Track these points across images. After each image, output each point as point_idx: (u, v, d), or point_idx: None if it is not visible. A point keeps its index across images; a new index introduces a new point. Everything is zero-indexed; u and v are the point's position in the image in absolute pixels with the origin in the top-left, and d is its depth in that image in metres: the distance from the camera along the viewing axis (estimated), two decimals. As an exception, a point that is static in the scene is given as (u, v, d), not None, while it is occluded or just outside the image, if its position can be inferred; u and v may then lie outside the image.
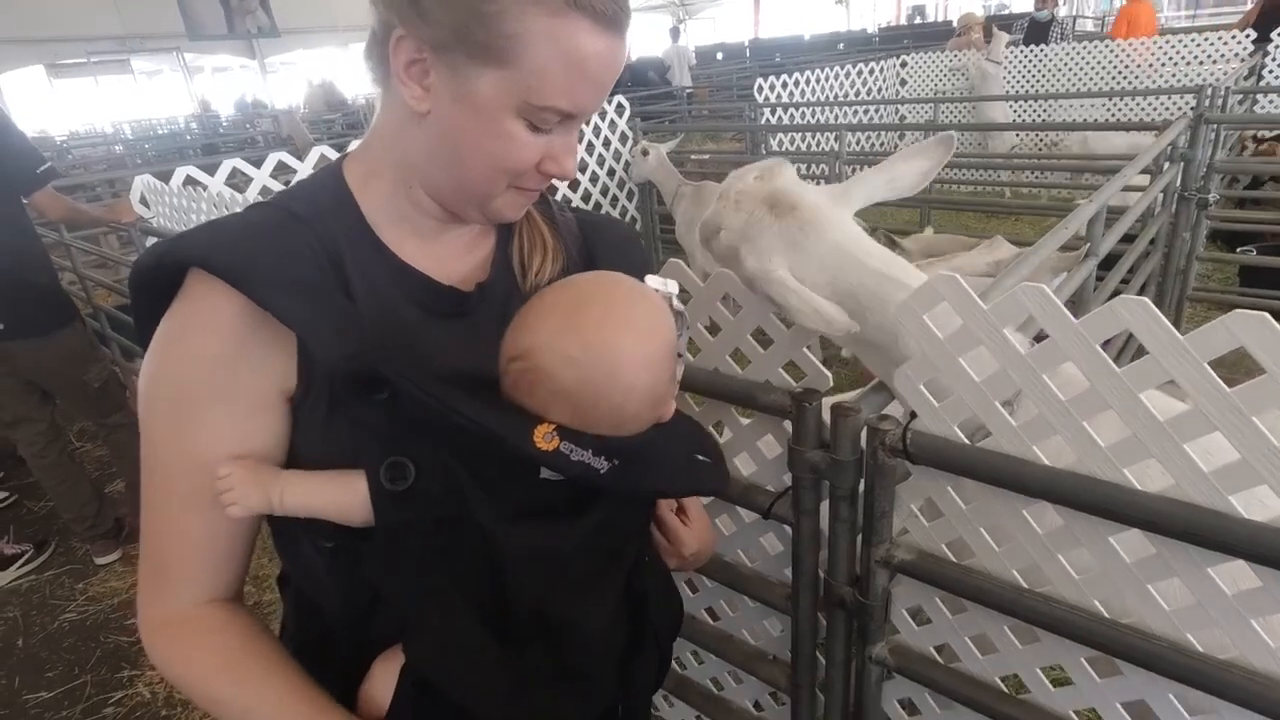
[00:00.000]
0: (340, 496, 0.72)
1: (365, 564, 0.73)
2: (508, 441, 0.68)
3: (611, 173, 5.10)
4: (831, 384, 1.11)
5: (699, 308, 1.21)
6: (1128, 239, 2.54)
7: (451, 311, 0.82)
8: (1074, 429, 0.85)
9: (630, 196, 5.27)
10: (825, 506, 1.12)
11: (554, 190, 4.62)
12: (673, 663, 1.66)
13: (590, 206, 4.92)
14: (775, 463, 1.21)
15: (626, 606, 0.84)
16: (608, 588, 0.80)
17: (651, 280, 0.84)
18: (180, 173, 3.08)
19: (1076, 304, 2.14)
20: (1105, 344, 0.82)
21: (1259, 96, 5.52)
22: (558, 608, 0.75)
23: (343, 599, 0.80)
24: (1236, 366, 2.23)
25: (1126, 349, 2.68)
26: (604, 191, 5.04)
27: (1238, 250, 4.00)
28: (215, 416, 0.72)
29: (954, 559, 1.05)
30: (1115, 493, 0.84)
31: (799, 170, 5.17)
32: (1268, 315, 0.71)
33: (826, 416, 1.06)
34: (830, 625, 1.21)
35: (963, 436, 0.96)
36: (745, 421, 1.23)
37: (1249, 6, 7.80)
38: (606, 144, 5.01)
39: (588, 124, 4.78)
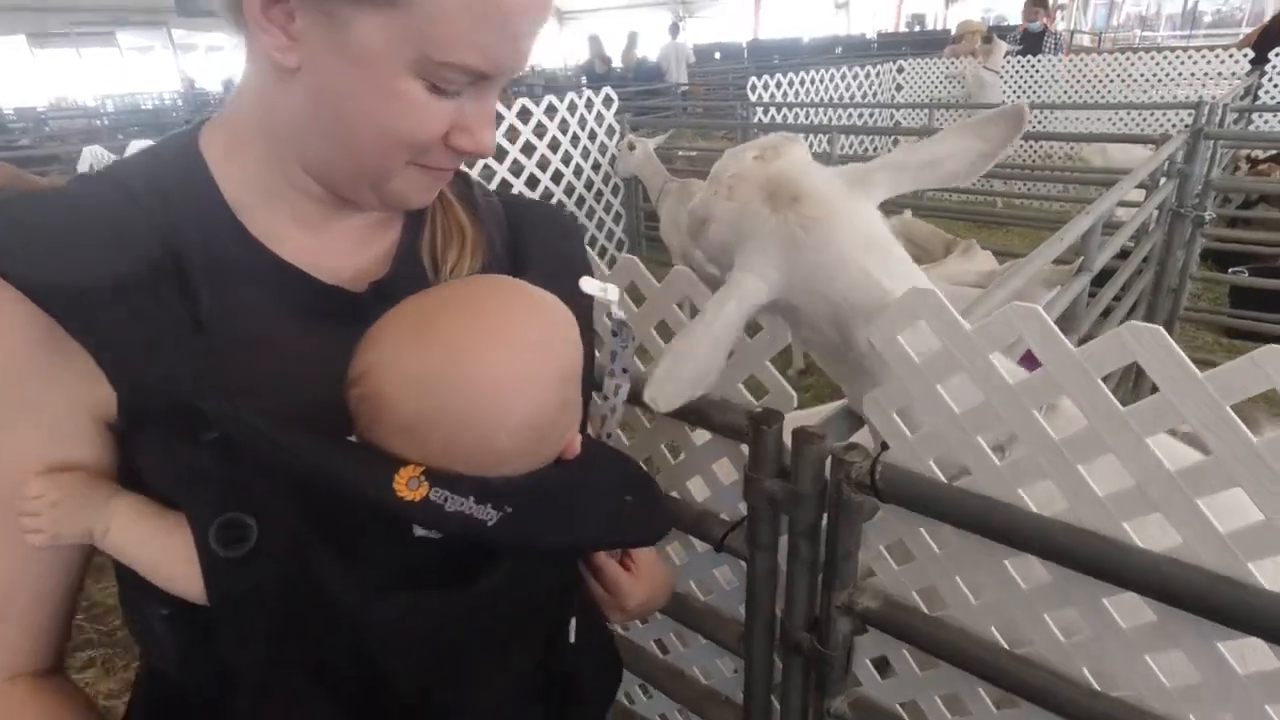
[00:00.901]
0: (164, 561, 0.57)
1: (211, 637, 0.59)
2: (361, 492, 0.54)
3: (596, 166, 4.96)
4: (796, 405, 0.99)
5: (653, 311, 1.08)
6: (1121, 254, 2.44)
7: (336, 317, 0.65)
8: (1068, 474, 0.73)
9: (615, 191, 5.13)
10: (785, 542, 1.00)
11: (535, 182, 4.50)
12: (619, 696, 1.54)
13: (573, 200, 4.79)
14: (732, 489, 1.09)
15: (546, 684, 0.70)
16: (515, 664, 0.66)
17: (588, 283, 0.72)
18: (134, 145, 2.92)
19: (1068, 320, 2.03)
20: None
21: (1254, 115, 5.46)
22: (447, 696, 0.61)
23: (187, 669, 0.64)
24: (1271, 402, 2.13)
25: (1125, 378, 2.57)
26: (588, 185, 4.90)
27: (1229, 270, 3.92)
28: (12, 439, 0.58)
29: (925, 608, 0.93)
30: (1113, 550, 0.71)
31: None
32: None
33: (789, 439, 0.94)
34: (786, 671, 1.08)
35: (939, 473, 0.83)
36: (700, 441, 1.10)
37: (1244, 30, 7.77)
38: (592, 136, 4.87)
39: (571, 113, 4.64)
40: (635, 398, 1.12)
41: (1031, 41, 7.47)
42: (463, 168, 0.74)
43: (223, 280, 0.61)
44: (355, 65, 0.56)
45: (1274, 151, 5.24)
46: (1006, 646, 0.87)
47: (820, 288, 0.93)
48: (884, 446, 0.87)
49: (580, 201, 4.86)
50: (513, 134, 4.30)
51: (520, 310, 0.61)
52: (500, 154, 4.26)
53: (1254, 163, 5.26)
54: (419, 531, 0.57)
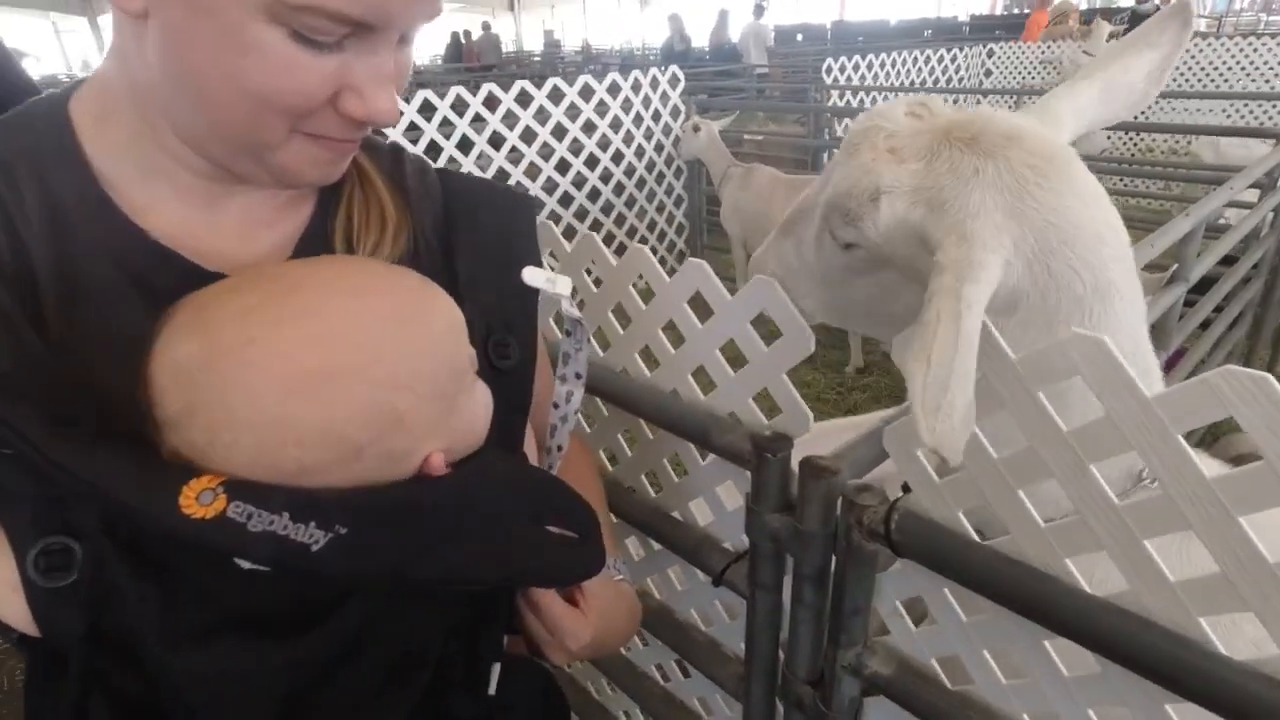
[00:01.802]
0: None
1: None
2: (142, 510, 0.44)
3: (660, 147, 4.81)
4: (810, 429, 0.85)
5: (661, 308, 0.95)
6: (1227, 260, 2.17)
7: None
8: (1131, 549, 0.58)
9: (678, 174, 4.98)
10: (790, 580, 0.87)
11: (594, 162, 4.39)
12: (621, 714, 1.44)
13: (634, 182, 4.66)
14: (735, 516, 0.96)
15: None
16: None
17: (532, 274, 0.61)
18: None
19: (1158, 334, 1.80)
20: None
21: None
22: None
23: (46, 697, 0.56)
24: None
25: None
26: (650, 167, 4.76)
27: (1354, 284, 3.49)
28: None
29: (947, 681, 0.79)
30: (1181, 652, 0.56)
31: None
32: None
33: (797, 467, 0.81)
34: (788, 723, 0.96)
35: (970, 528, 0.69)
36: (704, 460, 0.98)
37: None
38: (656, 117, 4.73)
39: (636, 91, 4.50)
40: (628, 405, 1.01)
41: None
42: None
43: (76, 266, 0.53)
44: (199, 8, 0.46)
45: None
46: (1042, 738, 0.72)
47: (1053, 258, 0.69)
48: (905, 489, 0.73)
49: (641, 183, 4.73)
50: (573, 111, 4.20)
51: (333, 294, 0.50)
52: (560, 132, 4.17)
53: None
54: (245, 565, 0.47)
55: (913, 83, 6.54)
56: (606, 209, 4.56)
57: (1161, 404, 0.52)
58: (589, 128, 4.31)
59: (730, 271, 4.31)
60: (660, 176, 4.87)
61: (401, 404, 0.49)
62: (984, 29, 13.33)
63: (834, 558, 0.80)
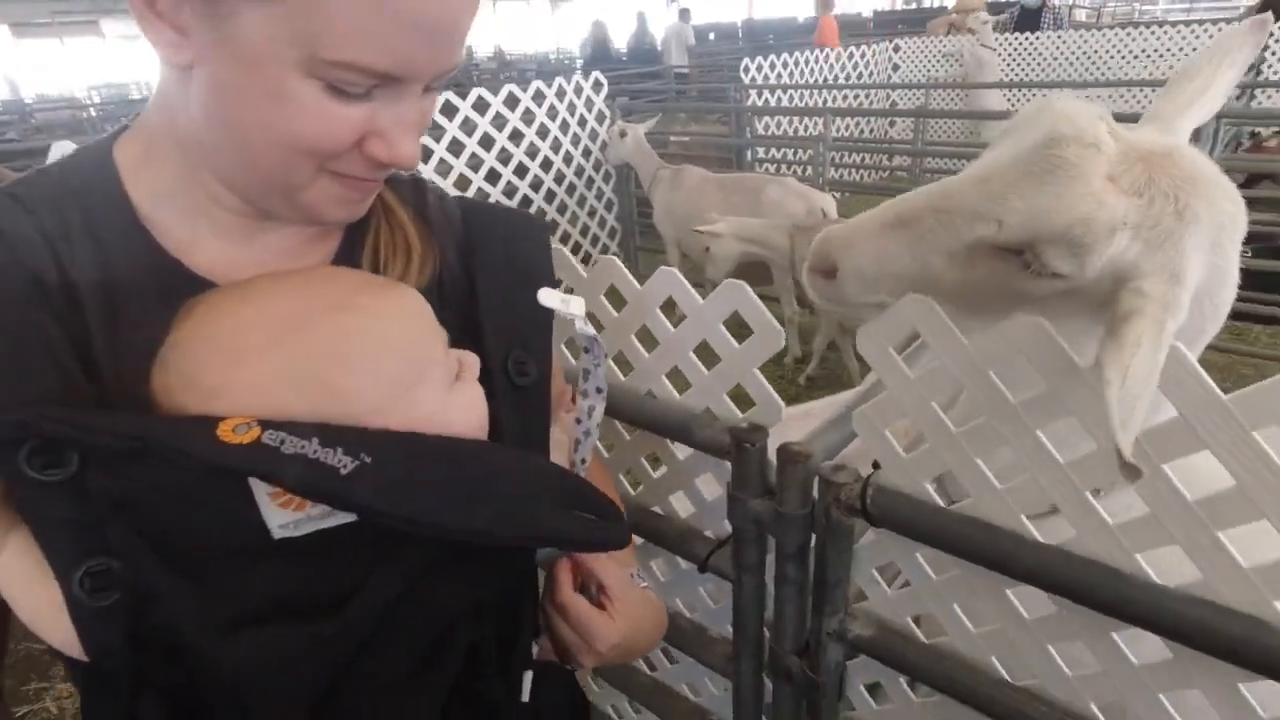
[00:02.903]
0: (35, 603, 0.50)
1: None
2: (183, 449, 0.48)
3: (588, 153, 4.86)
4: (784, 416, 0.92)
5: (634, 315, 1.01)
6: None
7: None
8: (1074, 500, 0.67)
9: (607, 179, 5.04)
10: (772, 560, 0.94)
11: (524, 170, 4.41)
12: (609, 708, 1.49)
13: (564, 188, 4.70)
14: (716, 506, 1.02)
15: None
16: (417, 713, 0.58)
17: (547, 296, 0.66)
18: (56, 148, 2.81)
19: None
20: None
21: (1257, 91, 5.36)
22: None
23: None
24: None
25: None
26: (579, 173, 4.80)
27: (1233, 251, 3.83)
28: None
29: (922, 636, 0.87)
30: (1126, 587, 0.65)
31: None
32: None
33: (774, 455, 0.87)
34: (776, 696, 1.03)
35: (935, 496, 0.77)
36: (682, 455, 1.04)
37: (1246, 3, 7.65)
38: (582, 123, 4.77)
39: (560, 99, 4.54)
40: (608, 409, 1.06)
41: (1028, 18, 7.33)
42: (427, 169, 0.66)
43: (121, 299, 0.56)
44: (241, 63, 0.50)
45: (1277, 128, 5.14)
46: (1009, 678, 0.81)
47: (1209, 299, 0.72)
48: (876, 466, 0.81)
49: (571, 189, 4.77)
50: (500, 121, 4.20)
51: (285, 292, 0.56)
52: (488, 142, 4.16)
53: (1256, 140, 5.16)
54: (278, 533, 0.50)
55: (826, 79, 6.78)
56: (538, 216, 4.59)
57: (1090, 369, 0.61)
58: (516, 136, 4.33)
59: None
60: (590, 182, 4.92)
61: (338, 380, 0.53)
62: (888, 24, 13.90)
63: (813, 535, 0.87)
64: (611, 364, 1.08)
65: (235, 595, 0.51)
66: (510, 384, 0.66)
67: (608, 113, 4.92)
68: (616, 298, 1.02)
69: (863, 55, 7.21)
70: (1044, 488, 0.68)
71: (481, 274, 0.69)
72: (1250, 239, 2.84)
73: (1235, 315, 3.53)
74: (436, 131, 3.89)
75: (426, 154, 3.89)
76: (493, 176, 4.24)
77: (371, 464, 0.49)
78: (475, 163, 4.12)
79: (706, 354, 0.96)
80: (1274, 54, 5.60)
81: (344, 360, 0.54)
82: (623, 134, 4.55)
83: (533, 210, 4.49)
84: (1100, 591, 0.66)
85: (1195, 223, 0.67)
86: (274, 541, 0.50)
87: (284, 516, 0.50)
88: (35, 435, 0.47)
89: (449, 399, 0.59)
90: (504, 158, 4.28)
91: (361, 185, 0.59)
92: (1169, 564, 0.64)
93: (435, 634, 0.58)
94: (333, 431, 0.50)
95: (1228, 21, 6.30)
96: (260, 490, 0.49)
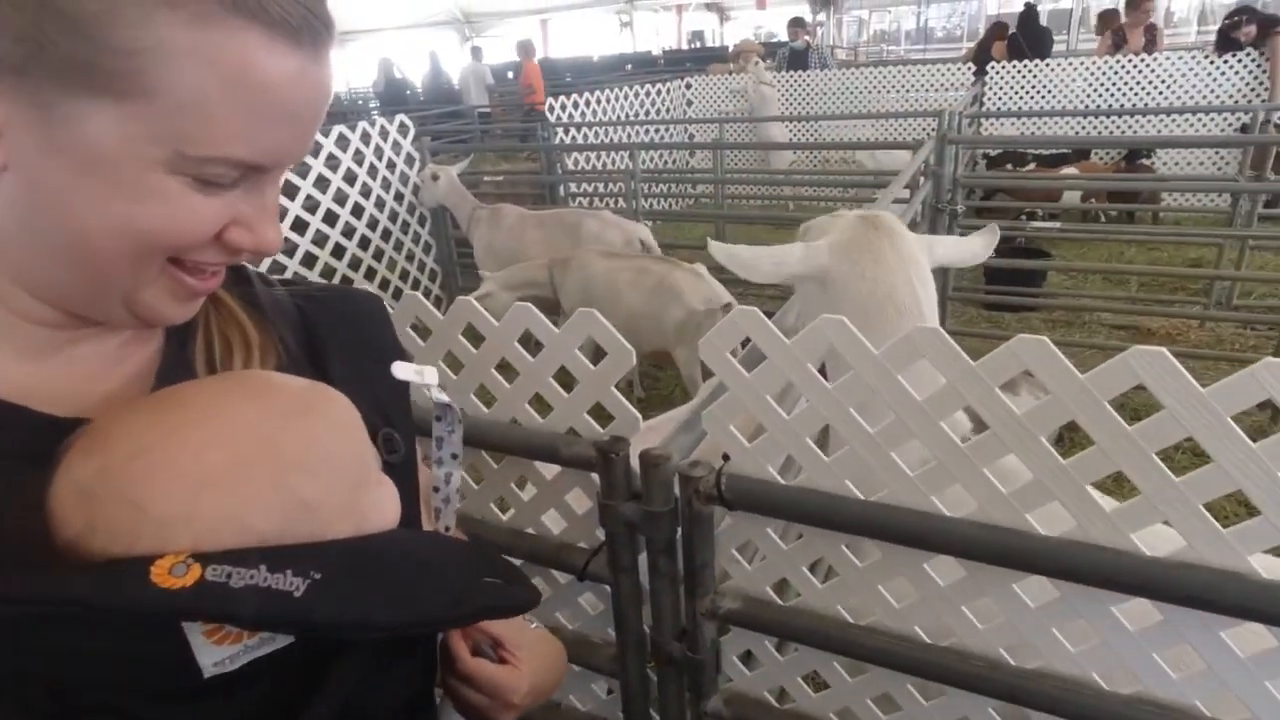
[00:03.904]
0: None
1: None
2: (108, 603, 0.43)
3: (400, 197, 4.78)
4: (642, 426, 1.03)
5: (493, 350, 1.07)
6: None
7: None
8: (883, 460, 0.83)
9: (423, 222, 4.98)
10: (644, 559, 1.03)
11: (333, 218, 4.26)
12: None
13: (378, 234, 4.58)
14: (587, 518, 1.11)
15: None
16: None
17: (401, 369, 0.65)
18: None
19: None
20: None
21: (982, 120, 6.38)
22: None
23: None
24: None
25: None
26: (393, 217, 4.71)
27: (980, 252, 4.54)
28: None
29: (779, 601, 1.01)
30: (926, 521, 0.82)
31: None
32: (1045, 339, 0.71)
33: (636, 462, 0.98)
34: (661, 682, 1.12)
35: (777, 476, 0.91)
36: (549, 475, 1.12)
37: (966, 45, 9.02)
38: (391, 166, 4.70)
39: (366, 143, 4.45)
40: (474, 441, 1.11)
41: (796, 58, 8.22)
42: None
43: None
44: (84, 165, 0.47)
45: (1000, 150, 6.15)
46: (851, 620, 0.96)
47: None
48: (725, 458, 0.93)
49: (386, 235, 4.66)
50: (301, 168, 4.04)
51: (232, 402, 0.53)
52: (290, 190, 3.98)
53: (989, 161, 6.14)
54: (210, 671, 0.47)
55: (629, 115, 7.16)
56: (354, 264, 4.44)
57: (885, 357, 0.77)
58: (321, 182, 4.18)
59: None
60: (405, 226, 4.84)
61: (308, 492, 0.51)
62: (677, 62, 14.81)
63: (679, 529, 0.98)
64: (473, 398, 1.13)
65: None
66: (384, 464, 0.63)
67: (416, 155, 4.88)
68: (472, 335, 1.08)
69: (659, 92, 7.69)
70: (860, 456, 0.84)
71: (334, 357, 0.66)
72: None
73: (990, 306, 4.17)
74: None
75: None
76: (299, 225, 4.05)
77: (322, 580, 0.47)
78: (279, 212, 3.92)
79: (563, 378, 1.05)
80: (990, 89, 6.68)
81: (312, 469, 0.51)
82: (435, 177, 4.54)
83: (347, 257, 4.34)
84: (910, 530, 0.82)
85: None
86: (203, 682, 0.47)
87: (219, 653, 0.47)
88: None
89: (382, 492, 0.58)
90: (310, 205, 4.11)
91: (210, 278, 0.56)
92: (955, 501, 0.81)
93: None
94: (277, 554, 0.47)
95: (954, 61, 7.46)
96: (194, 630, 0.46)
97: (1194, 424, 0.67)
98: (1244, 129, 5.08)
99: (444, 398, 0.68)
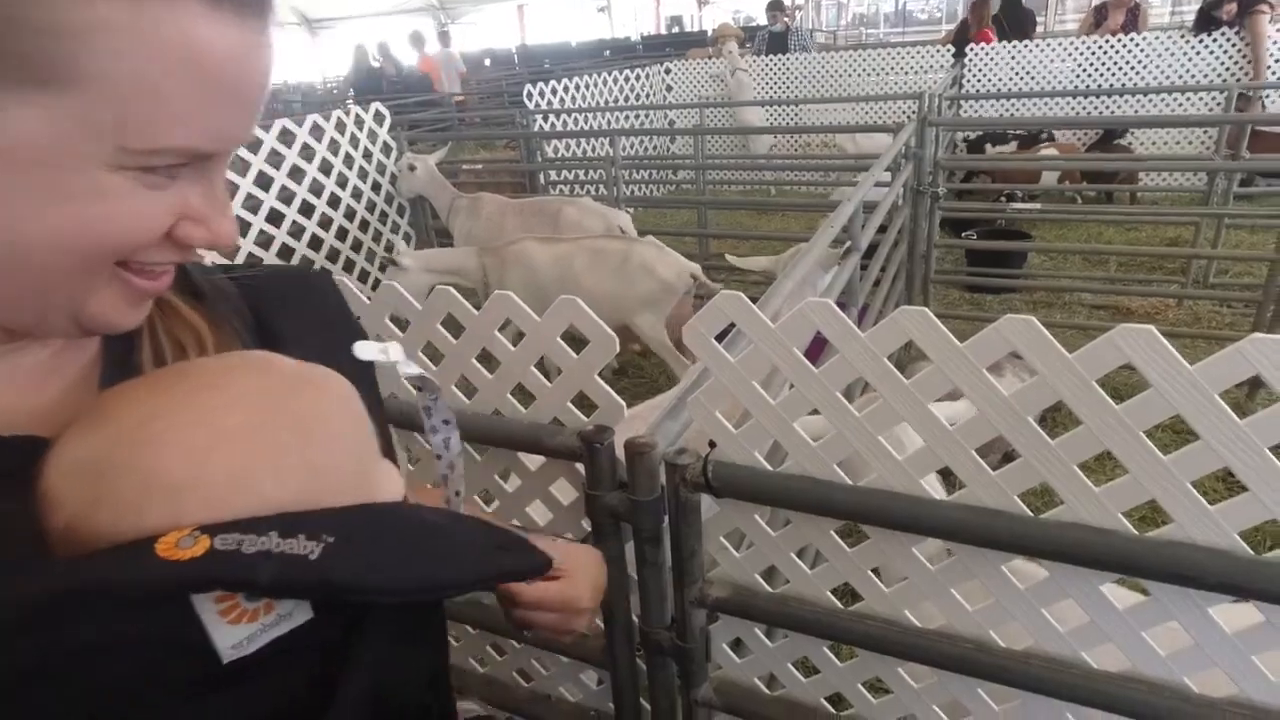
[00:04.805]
0: None
1: None
2: (115, 582, 0.41)
3: (377, 187, 4.71)
4: (626, 414, 1.01)
5: (472, 340, 1.05)
6: (880, 231, 2.75)
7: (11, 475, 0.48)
8: (870, 444, 0.82)
9: (401, 212, 4.92)
10: (631, 549, 1.02)
11: (310, 209, 4.19)
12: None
13: (356, 224, 4.52)
14: (572, 508, 1.09)
15: None
16: None
17: (363, 349, 0.61)
18: None
19: (848, 295, 2.24)
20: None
21: (961, 102, 6.39)
22: None
23: None
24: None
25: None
26: (370, 208, 4.64)
27: (962, 235, 4.56)
28: None
29: (769, 587, 1.00)
30: (914, 506, 0.81)
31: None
32: (1033, 319, 0.70)
33: (621, 451, 0.96)
34: (651, 671, 1.12)
35: (764, 463, 0.90)
36: (534, 466, 1.10)
37: (945, 27, 9.02)
38: (368, 156, 4.63)
39: (341, 132, 4.38)
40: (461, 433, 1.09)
41: (776, 41, 8.18)
42: None
43: None
44: (15, 173, 0.42)
45: (980, 133, 6.17)
46: (840, 606, 0.96)
47: None
48: (712, 445, 0.92)
49: (365, 225, 4.60)
50: (276, 158, 3.97)
51: (236, 374, 0.52)
52: (265, 182, 3.92)
53: (968, 144, 6.16)
54: (229, 655, 0.44)
55: (606, 101, 7.10)
56: (332, 256, 4.37)
57: (871, 339, 0.76)
58: (297, 173, 4.11)
59: (475, 299, 4.38)
60: (384, 216, 4.77)
61: (319, 458, 0.50)
62: (656, 48, 14.71)
63: (665, 517, 0.97)
64: (455, 389, 1.11)
65: None
66: None
67: (393, 144, 4.81)
68: (454, 326, 1.06)
69: (639, 78, 7.63)
70: (848, 439, 0.83)
71: (291, 343, 0.62)
72: (973, 224, 3.42)
73: (970, 288, 4.18)
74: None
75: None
76: (275, 217, 3.99)
77: (335, 543, 0.45)
78: (253, 204, 3.85)
79: (544, 368, 1.03)
80: (969, 71, 6.69)
81: (323, 437, 0.51)
82: (412, 167, 4.48)
83: (325, 250, 4.28)
84: (898, 514, 0.81)
85: None
86: (223, 668, 0.44)
87: (235, 634, 0.44)
88: None
89: (384, 466, 0.57)
90: (286, 197, 4.04)
91: (161, 278, 0.52)
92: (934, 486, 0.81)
93: (394, 707, 0.56)
94: (289, 520, 0.45)
95: (933, 44, 7.45)
96: (207, 608, 0.43)
97: (1181, 402, 0.67)
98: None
99: (414, 370, 0.65)
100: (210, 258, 1.51)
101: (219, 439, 0.46)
